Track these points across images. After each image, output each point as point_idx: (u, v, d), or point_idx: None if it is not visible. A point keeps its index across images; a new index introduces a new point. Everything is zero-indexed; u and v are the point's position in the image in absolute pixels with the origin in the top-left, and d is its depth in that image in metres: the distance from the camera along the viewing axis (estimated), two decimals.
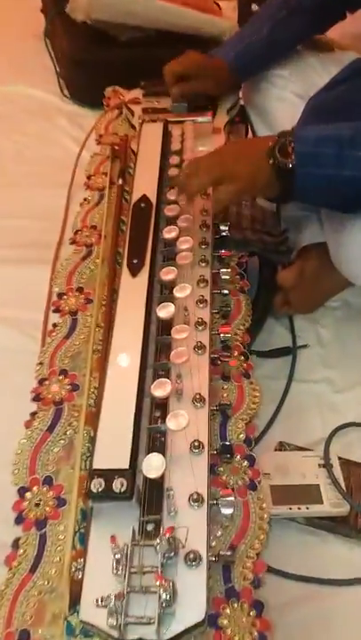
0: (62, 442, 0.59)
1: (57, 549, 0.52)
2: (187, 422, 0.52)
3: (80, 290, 0.76)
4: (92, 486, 0.48)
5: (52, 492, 0.56)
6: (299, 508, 0.64)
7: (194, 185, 0.66)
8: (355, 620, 0.59)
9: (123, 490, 0.47)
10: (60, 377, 0.66)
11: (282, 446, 0.71)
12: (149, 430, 0.55)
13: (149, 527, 0.48)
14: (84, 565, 0.47)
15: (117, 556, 0.44)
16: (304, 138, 0.62)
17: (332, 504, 0.64)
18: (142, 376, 0.56)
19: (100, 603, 0.42)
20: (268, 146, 0.62)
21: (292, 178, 0.62)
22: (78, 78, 1.44)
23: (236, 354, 0.66)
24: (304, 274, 0.81)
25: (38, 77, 1.53)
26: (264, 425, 0.74)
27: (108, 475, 0.48)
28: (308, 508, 0.64)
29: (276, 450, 0.71)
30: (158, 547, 0.44)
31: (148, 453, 0.50)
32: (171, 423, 0.52)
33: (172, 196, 0.76)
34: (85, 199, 0.92)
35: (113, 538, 0.44)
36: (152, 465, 0.49)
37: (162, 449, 0.53)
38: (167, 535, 0.44)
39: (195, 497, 0.49)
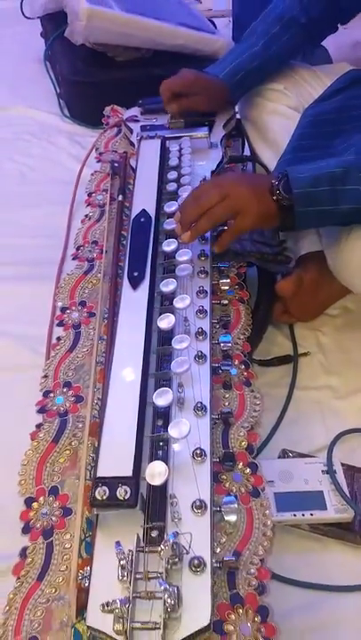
0: (67, 452, 0.61)
1: (64, 558, 0.53)
2: (188, 430, 0.53)
3: (83, 304, 0.78)
4: (96, 494, 0.49)
5: (58, 501, 0.57)
6: (303, 515, 0.64)
7: (205, 224, 0.68)
8: (355, 625, 0.59)
9: (126, 497, 0.48)
10: (65, 389, 0.67)
11: (285, 454, 0.72)
12: (152, 439, 0.56)
13: (153, 534, 0.49)
14: (90, 572, 0.48)
15: (122, 563, 0.45)
16: (300, 179, 0.65)
17: (336, 510, 0.65)
18: (144, 385, 0.57)
19: (105, 608, 0.42)
20: (270, 183, 0.66)
21: (292, 214, 0.66)
22: (78, 99, 1.48)
23: (236, 362, 0.68)
24: (303, 283, 0.83)
25: (39, 99, 1.57)
26: (267, 432, 0.75)
27: (112, 483, 0.49)
28: (312, 515, 0.64)
29: (279, 457, 0.72)
30: (162, 552, 0.45)
31: (151, 461, 0.51)
32: (173, 431, 0.53)
33: (170, 209, 0.78)
34: (87, 216, 0.94)
35: (118, 542, 0.45)
36: (155, 472, 0.50)
37: (165, 457, 0.54)
38: (171, 541, 0.45)
39: (198, 504, 0.50)
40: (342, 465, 0.69)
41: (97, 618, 0.45)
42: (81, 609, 0.48)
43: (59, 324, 0.76)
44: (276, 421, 0.77)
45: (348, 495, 0.65)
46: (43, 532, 0.55)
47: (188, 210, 0.69)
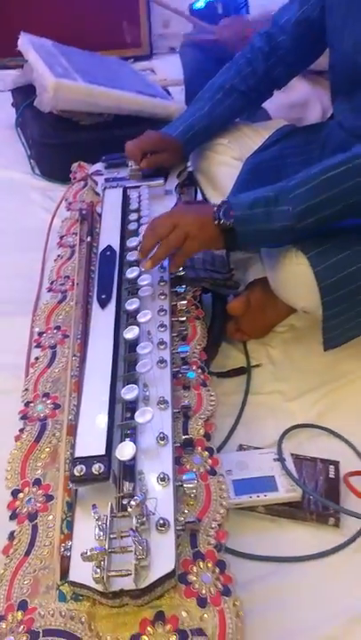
0: (48, 450, 0.69)
1: (47, 535, 0.60)
2: (152, 416, 0.62)
3: (58, 328, 0.88)
4: (75, 471, 0.57)
5: (41, 490, 0.65)
6: (258, 497, 0.73)
7: (161, 252, 0.81)
8: (309, 590, 0.67)
9: (101, 472, 0.57)
10: (44, 399, 0.76)
11: (241, 448, 0.82)
12: (121, 427, 0.65)
13: (125, 502, 0.57)
14: (71, 543, 0.55)
15: (99, 524, 0.53)
16: (240, 203, 0.79)
17: (286, 490, 0.74)
18: (113, 383, 0.67)
19: (85, 555, 0.50)
20: (213, 211, 0.79)
21: (234, 234, 0.78)
22: (47, 158, 1.64)
23: (194, 368, 0.78)
24: (251, 303, 0.95)
25: (12, 161, 1.72)
26: (226, 433, 0.85)
27: (88, 461, 0.58)
28: (265, 496, 0.73)
29: (237, 451, 0.81)
30: (132, 510, 0.53)
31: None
32: (139, 418, 0.62)
33: (132, 244, 0.90)
34: (59, 255, 1.06)
35: (94, 505, 0.53)
36: (124, 450, 0.59)
37: (133, 441, 0.63)
38: (139, 500, 0.53)
39: (162, 477, 0.59)
40: (291, 455, 0.79)
41: (78, 573, 0.52)
42: (64, 574, 0.55)
43: (36, 346, 0.85)
44: (233, 423, 0.87)
45: (297, 478, 0.75)
46: (28, 515, 0.62)
47: (147, 240, 0.81)
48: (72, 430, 0.69)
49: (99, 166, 1.22)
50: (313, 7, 0.96)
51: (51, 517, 0.61)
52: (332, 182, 0.75)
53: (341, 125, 0.99)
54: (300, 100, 1.46)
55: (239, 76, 1.07)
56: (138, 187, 1.08)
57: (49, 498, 0.64)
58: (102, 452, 0.59)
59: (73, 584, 0.53)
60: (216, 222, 0.78)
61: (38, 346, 0.85)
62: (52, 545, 0.59)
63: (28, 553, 0.59)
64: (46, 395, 0.77)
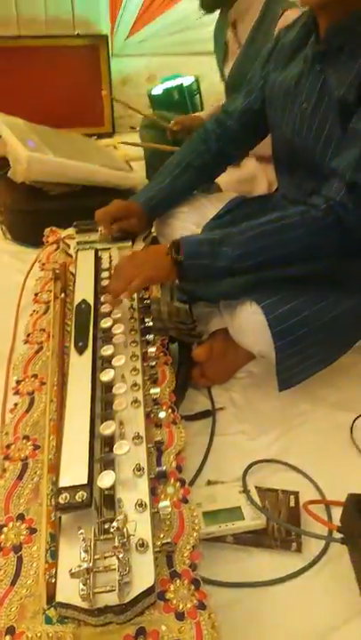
0: (30, 486, 0.73)
1: (32, 565, 0.64)
2: (129, 448, 0.69)
3: (35, 376, 0.94)
4: (60, 500, 0.63)
5: (24, 524, 0.68)
6: (226, 526, 0.79)
7: (127, 296, 0.93)
8: (275, 612, 0.72)
9: (84, 499, 0.62)
10: (24, 440, 0.81)
11: (210, 483, 0.88)
12: (101, 460, 0.71)
13: (106, 526, 0.62)
14: (56, 562, 0.59)
15: (85, 545, 0.58)
16: (189, 241, 0.91)
17: (252, 519, 0.80)
18: (93, 420, 0.73)
19: (72, 572, 0.55)
20: (166, 247, 0.91)
21: (184, 268, 0.89)
22: (19, 225, 1.74)
23: (165, 408, 0.85)
24: (213, 350, 1.05)
25: None
26: (195, 471, 0.91)
27: (72, 490, 0.63)
28: (233, 525, 0.79)
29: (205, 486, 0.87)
30: (114, 530, 0.58)
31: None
32: (117, 450, 0.69)
33: (105, 300, 0.99)
34: (34, 310, 1.13)
35: (79, 527, 0.58)
36: (105, 479, 0.65)
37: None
38: (121, 519, 0.59)
39: (140, 503, 0.65)
40: (255, 487, 0.86)
41: (65, 595, 0.56)
42: (50, 599, 0.59)
43: (15, 393, 0.91)
44: (201, 461, 0.93)
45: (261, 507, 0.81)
46: (13, 548, 0.65)
47: (114, 284, 0.93)
48: (53, 468, 0.74)
49: (70, 231, 1.32)
50: (255, 100, 1.13)
51: (35, 548, 0.65)
52: (268, 234, 0.87)
53: (286, 197, 1.14)
54: (249, 175, 1.64)
55: (195, 153, 1.22)
56: (108, 248, 1.19)
57: (32, 531, 0.67)
58: (85, 481, 0.64)
59: (60, 605, 0.57)
60: (169, 256, 0.90)
61: (17, 393, 0.91)
62: (37, 574, 0.62)
63: (13, 583, 0.62)
64: (26, 437, 0.81)
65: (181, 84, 2.44)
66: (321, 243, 0.87)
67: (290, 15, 1.43)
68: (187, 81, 2.46)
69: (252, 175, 1.65)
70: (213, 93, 2.09)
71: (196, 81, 2.50)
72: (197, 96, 2.49)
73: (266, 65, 1.09)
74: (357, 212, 0.83)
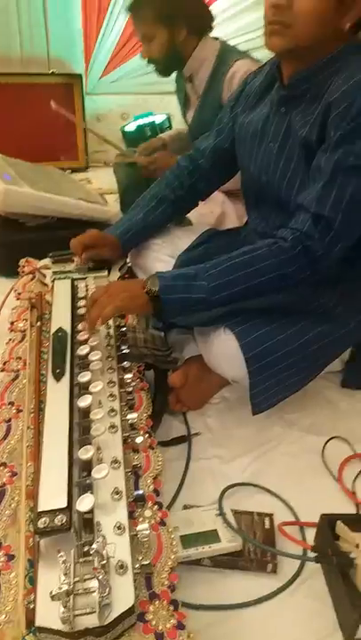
0: (8, 512, 0.73)
1: (11, 591, 0.63)
2: (107, 472, 0.70)
3: (12, 403, 0.94)
4: (39, 524, 0.63)
5: (2, 551, 0.68)
6: (203, 548, 0.80)
7: (102, 323, 0.95)
8: (252, 633, 0.74)
9: (63, 522, 0.63)
10: (1, 467, 0.81)
11: (186, 507, 0.89)
12: (80, 484, 0.71)
13: (85, 549, 0.63)
14: (35, 586, 0.59)
15: (65, 567, 0.58)
16: (164, 277, 0.94)
17: (228, 541, 0.82)
18: (71, 445, 0.74)
19: (52, 595, 0.55)
20: (143, 281, 0.94)
21: (160, 302, 0.92)
22: None
23: (141, 433, 0.87)
24: (188, 376, 1.07)
25: None
26: (172, 495, 0.92)
27: (51, 514, 0.64)
28: (210, 547, 0.80)
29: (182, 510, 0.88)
30: (93, 553, 0.59)
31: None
32: (96, 474, 0.70)
33: (82, 328, 1.01)
34: (10, 339, 1.14)
35: (59, 550, 0.59)
36: (84, 503, 0.66)
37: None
38: (101, 541, 0.60)
39: (118, 525, 0.66)
40: (231, 510, 0.88)
41: (44, 619, 0.57)
42: (30, 624, 0.59)
43: None
44: (178, 486, 0.94)
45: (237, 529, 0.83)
46: None
47: (90, 312, 0.95)
48: (31, 494, 0.74)
49: (46, 261, 1.35)
50: (225, 139, 1.20)
51: (13, 575, 0.65)
52: (239, 266, 0.92)
53: (255, 230, 1.20)
54: (220, 209, 1.72)
55: (169, 188, 1.27)
56: (84, 278, 1.21)
57: (10, 557, 0.67)
58: (64, 504, 0.65)
59: (40, 629, 0.57)
60: (145, 290, 0.92)
61: None
62: (16, 600, 0.62)
63: None
64: (3, 464, 0.81)
65: (153, 122, 2.54)
66: (290, 272, 0.91)
67: (239, 66, 1.55)
68: (158, 118, 2.57)
69: (223, 209, 1.73)
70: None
71: (168, 118, 2.61)
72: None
73: (234, 107, 1.17)
74: (323, 242, 0.88)
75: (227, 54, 1.62)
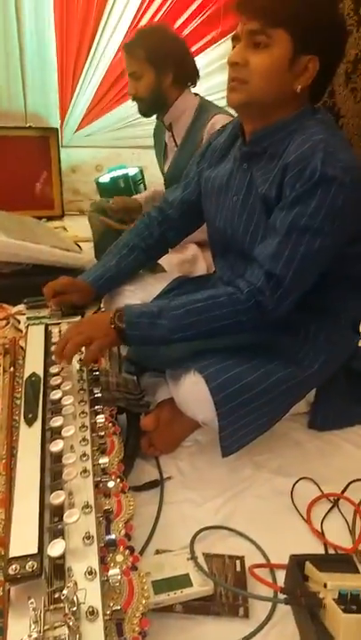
0: None
1: None
2: (78, 516, 0.71)
3: None
4: (9, 571, 0.63)
5: None
6: (175, 593, 0.80)
7: (69, 351, 0.99)
8: None
9: (34, 568, 0.63)
10: None
11: (158, 552, 0.89)
12: (50, 529, 0.72)
13: (56, 596, 0.63)
14: (5, 635, 0.59)
15: (34, 614, 0.58)
16: (130, 312, 1.00)
17: (199, 585, 0.82)
18: (42, 490, 0.75)
19: None
20: (110, 316, 1.00)
21: (126, 335, 0.99)
22: None
23: (113, 477, 0.87)
24: (160, 420, 1.09)
25: None
26: (144, 540, 0.92)
27: (22, 560, 0.64)
28: (182, 592, 0.80)
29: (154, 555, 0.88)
30: (64, 599, 0.59)
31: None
32: (67, 519, 0.71)
33: (54, 370, 1.03)
34: None
35: (29, 597, 0.59)
36: (55, 548, 0.66)
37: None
38: (71, 586, 0.60)
39: (90, 571, 0.67)
40: (203, 554, 0.88)
41: None
42: None
43: None
44: (150, 530, 0.94)
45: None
46: None
47: (61, 343, 1.01)
48: (1, 542, 0.74)
49: (21, 307, 1.37)
50: (192, 192, 1.27)
51: None
52: (199, 310, 0.99)
53: (221, 278, 1.25)
54: (190, 257, 1.78)
55: (139, 237, 1.33)
56: (58, 324, 1.24)
57: None
58: (35, 550, 0.66)
59: None
60: (112, 325, 0.99)
61: None
62: None
63: None
64: None
65: (127, 174, 2.64)
66: (244, 321, 0.99)
67: (218, 119, 1.66)
68: (131, 171, 2.67)
69: (193, 257, 1.79)
70: (155, 184, 2.27)
71: (141, 171, 2.72)
72: (142, 185, 2.70)
73: (200, 162, 1.25)
74: (273, 299, 0.96)
75: (206, 107, 1.75)
